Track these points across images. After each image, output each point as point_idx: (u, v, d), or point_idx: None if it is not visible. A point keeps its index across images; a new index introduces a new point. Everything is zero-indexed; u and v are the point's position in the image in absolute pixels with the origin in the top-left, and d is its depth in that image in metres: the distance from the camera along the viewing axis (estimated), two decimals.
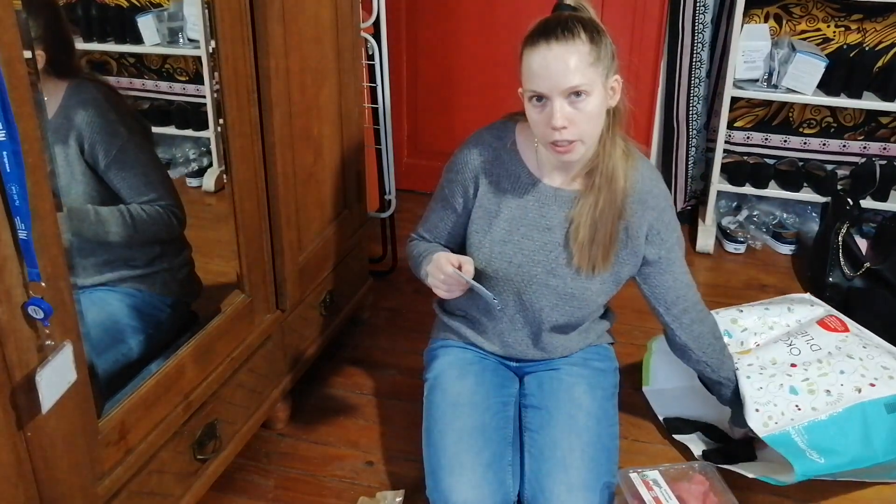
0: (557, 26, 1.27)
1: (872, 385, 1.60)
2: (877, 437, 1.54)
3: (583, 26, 1.28)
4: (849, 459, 1.53)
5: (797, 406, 1.58)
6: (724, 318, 1.80)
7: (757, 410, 1.58)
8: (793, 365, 1.66)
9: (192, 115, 2.01)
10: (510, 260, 1.46)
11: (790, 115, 2.73)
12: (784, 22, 2.60)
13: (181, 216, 1.55)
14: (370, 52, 2.20)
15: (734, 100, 2.56)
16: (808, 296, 1.95)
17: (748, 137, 2.80)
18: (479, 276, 1.46)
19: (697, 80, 2.66)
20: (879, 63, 2.53)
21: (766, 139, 2.79)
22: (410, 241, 1.64)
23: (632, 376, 1.97)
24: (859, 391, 1.59)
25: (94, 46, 1.79)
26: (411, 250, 1.61)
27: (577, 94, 1.27)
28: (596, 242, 1.41)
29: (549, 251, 1.45)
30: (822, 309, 1.86)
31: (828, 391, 1.60)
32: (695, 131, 2.73)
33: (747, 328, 1.80)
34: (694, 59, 2.63)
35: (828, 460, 1.52)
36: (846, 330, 1.76)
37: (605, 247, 1.42)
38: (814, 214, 2.74)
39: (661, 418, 1.84)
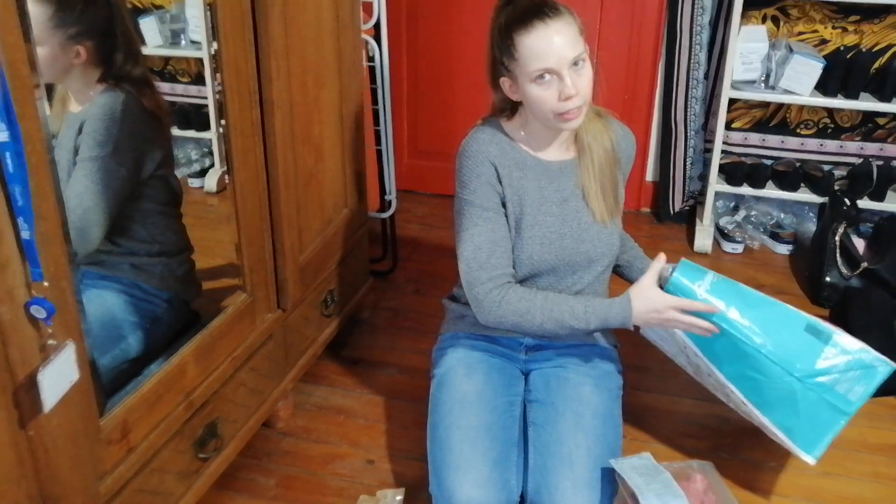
0: (542, 6, 1.38)
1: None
2: (776, 333, 1.42)
3: (555, 3, 1.39)
4: (730, 320, 1.41)
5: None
6: None
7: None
8: None
9: (194, 116, 2.02)
10: (541, 242, 1.51)
11: (787, 116, 2.74)
12: (781, 23, 2.61)
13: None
14: (371, 54, 2.21)
15: (732, 101, 2.57)
16: None
17: (746, 138, 2.81)
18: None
19: (695, 82, 2.68)
20: (876, 64, 2.54)
21: (764, 140, 2.80)
22: (489, 293, 1.45)
23: (632, 377, 1.97)
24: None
25: None
26: (513, 304, 1.45)
27: (578, 62, 1.37)
28: (606, 193, 1.54)
29: (571, 220, 1.52)
30: None
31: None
32: (693, 132, 2.75)
33: None
34: (692, 61, 2.65)
35: (709, 302, 1.41)
36: None
37: (613, 194, 1.55)
38: (811, 215, 2.75)
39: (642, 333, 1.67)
